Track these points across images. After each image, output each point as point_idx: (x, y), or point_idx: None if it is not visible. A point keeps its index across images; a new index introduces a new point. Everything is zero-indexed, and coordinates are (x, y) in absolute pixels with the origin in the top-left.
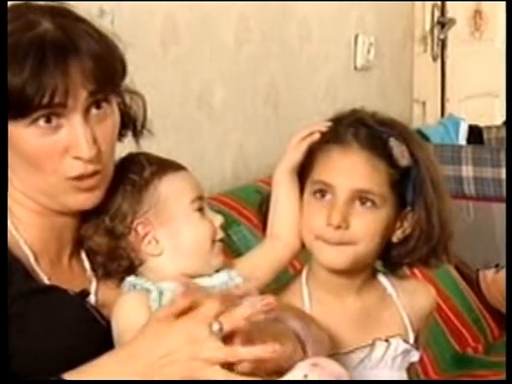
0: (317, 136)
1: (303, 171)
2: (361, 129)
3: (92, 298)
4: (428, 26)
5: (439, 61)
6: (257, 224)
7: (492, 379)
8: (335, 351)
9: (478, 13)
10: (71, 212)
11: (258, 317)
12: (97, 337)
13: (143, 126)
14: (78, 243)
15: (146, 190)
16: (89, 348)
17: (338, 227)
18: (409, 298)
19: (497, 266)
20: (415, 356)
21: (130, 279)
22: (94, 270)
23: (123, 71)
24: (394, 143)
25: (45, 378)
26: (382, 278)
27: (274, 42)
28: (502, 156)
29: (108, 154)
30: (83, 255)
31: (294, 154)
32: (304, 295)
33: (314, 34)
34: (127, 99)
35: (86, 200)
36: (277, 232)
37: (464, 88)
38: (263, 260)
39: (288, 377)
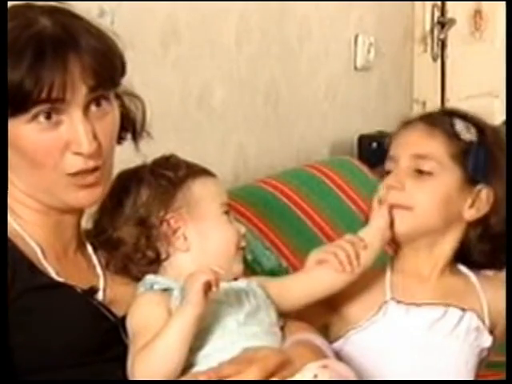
0: None
1: None
2: (432, 115)
3: (100, 295)
4: (428, 26)
5: (439, 61)
6: (256, 224)
7: (492, 379)
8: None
9: (478, 13)
10: (72, 210)
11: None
12: (104, 333)
13: (143, 128)
14: (82, 239)
15: (179, 187)
16: (94, 345)
17: (392, 187)
18: (491, 289)
19: None
20: (488, 340)
21: (150, 277)
22: (106, 264)
23: (122, 69)
24: (457, 120)
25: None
26: (464, 269)
27: (274, 41)
28: None
29: (108, 150)
30: (90, 250)
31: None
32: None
33: (314, 34)
34: (126, 102)
35: (87, 197)
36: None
37: (464, 88)
38: (298, 285)
39: (297, 377)
